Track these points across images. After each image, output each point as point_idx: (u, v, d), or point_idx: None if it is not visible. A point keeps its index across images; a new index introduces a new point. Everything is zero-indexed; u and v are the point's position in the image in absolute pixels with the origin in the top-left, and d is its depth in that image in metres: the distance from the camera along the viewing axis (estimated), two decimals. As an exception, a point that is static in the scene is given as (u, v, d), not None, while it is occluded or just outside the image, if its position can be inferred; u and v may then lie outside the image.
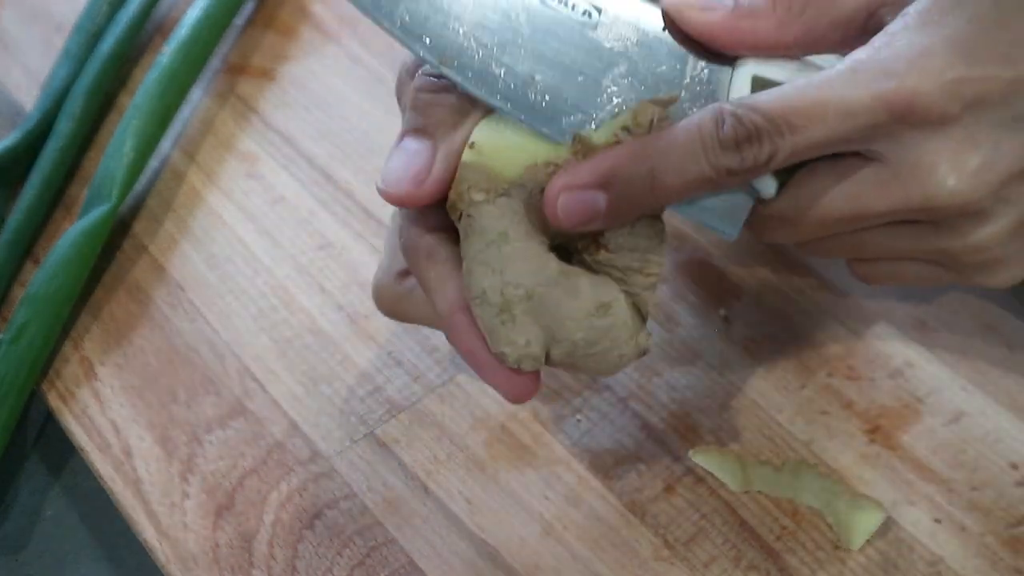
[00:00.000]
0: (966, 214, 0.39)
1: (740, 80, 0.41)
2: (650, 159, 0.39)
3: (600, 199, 0.39)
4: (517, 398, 0.41)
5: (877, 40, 0.39)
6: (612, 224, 0.39)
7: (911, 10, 0.40)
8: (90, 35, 0.64)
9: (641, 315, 0.40)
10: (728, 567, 0.44)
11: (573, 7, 0.41)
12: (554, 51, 0.41)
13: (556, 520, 0.45)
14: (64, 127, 0.59)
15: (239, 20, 0.66)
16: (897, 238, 0.41)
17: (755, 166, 0.39)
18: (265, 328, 0.52)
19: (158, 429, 0.49)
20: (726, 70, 0.42)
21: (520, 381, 0.40)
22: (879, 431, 0.46)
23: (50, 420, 0.51)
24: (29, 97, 0.63)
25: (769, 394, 0.48)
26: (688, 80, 0.41)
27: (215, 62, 0.64)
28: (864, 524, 0.44)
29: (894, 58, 0.38)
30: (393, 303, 0.44)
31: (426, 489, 0.46)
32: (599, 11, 0.41)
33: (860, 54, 0.39)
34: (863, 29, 0.41)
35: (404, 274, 0.43)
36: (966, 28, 0.39)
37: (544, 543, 0.45)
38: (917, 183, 0.39)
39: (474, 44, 0.40)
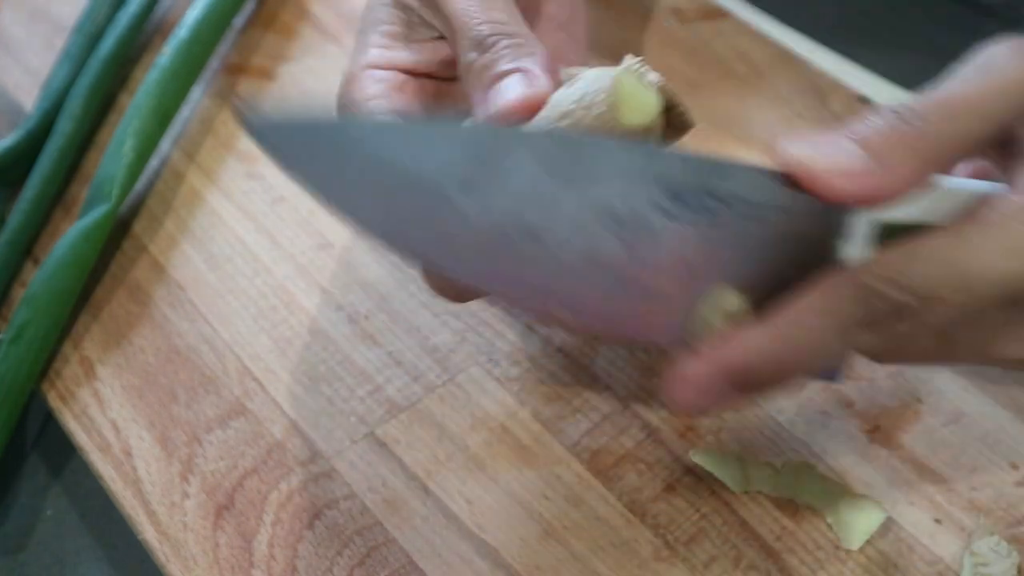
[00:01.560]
0: None
1: (860, 224, 0.37)
2: (778, 352, 0.36)
3: (725, 388, 0.36)
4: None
5: (1021, 180, 0.37)
6: (727, 409, 0.38)
7: None
8: (90, 35, 0.64)
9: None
10: (728, 567, 0.44)
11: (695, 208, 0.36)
12: None
13: (556, 520, 0.45)
14: (64, 127, 0.59)
15: (239, 20, 0.66)
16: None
17: (889, 342, 0.36)
18: (265, 328, 0.52)
19: (158, 429, 0.49)
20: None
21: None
22: (879, 431, 0.47)
23: (50, 420, 0.51)
24: (29, 97, 0.63)
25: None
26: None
27: (215, 62, 0.64)
28: (864, 524, 0.44)
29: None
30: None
31: (426, 489, 0.46)
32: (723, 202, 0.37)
33: (1005, 206, 0.36)
34: (997, 145, 0.38)
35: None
36: None
37: (544, 543, 0.45)
38: None
39: None
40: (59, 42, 0.65)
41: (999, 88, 0.37)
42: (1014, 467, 0.45)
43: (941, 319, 0.36)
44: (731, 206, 0.36)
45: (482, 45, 0.40)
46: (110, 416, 0.50)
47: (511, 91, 0.39)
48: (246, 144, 0.60)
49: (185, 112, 0.61)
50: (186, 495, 0.47)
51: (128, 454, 0.49)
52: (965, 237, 0.36)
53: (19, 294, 0.54)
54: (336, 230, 0.55)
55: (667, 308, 0.36)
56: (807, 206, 0.37)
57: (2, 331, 0.52)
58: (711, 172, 0.36)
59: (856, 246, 0.37)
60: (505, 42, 0.40)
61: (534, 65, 0.39)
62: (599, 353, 0.50)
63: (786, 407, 0.47)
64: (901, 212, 0.37)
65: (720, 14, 0.63)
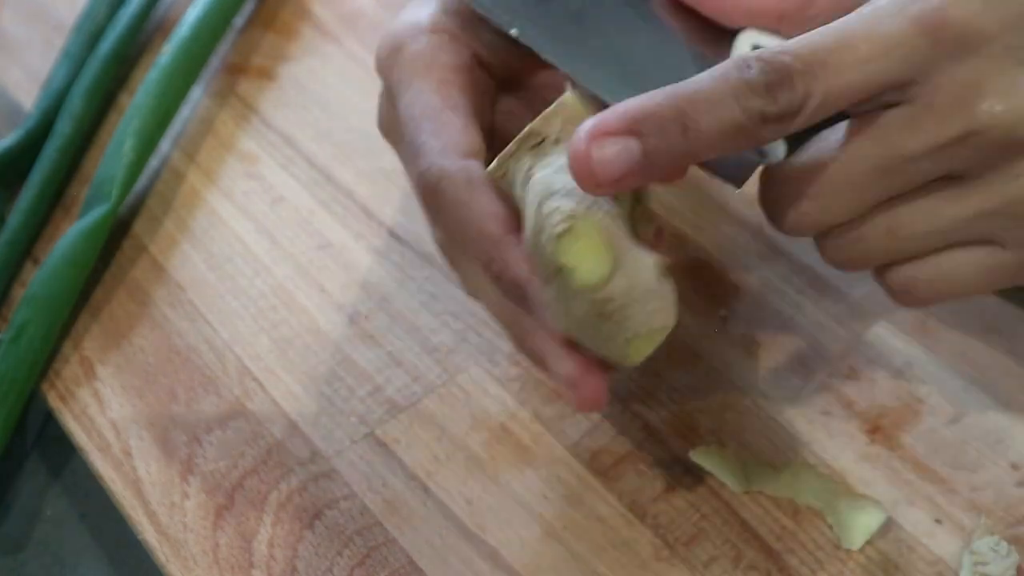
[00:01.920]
0: (1014, 146, 0.36)
1: (743, 43, 0.40)
2: (679, 101, 0.36)
3: (634, 146, 0.36)
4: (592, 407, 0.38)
5: None
6: (649, 179, 0.36)
7: None
8: (90, 35, 0.64)
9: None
10: (728, 567, 0.43)
11: None
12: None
13: (556, 520, 0.45)
14: (64, 127, 0.59)
15: (239, 20, 0.66)
16: (939, 206, 0.37)
17: (790, 111, 0.36)
18: (265, 328, 0.52)
19: (158, 429, 0.49)
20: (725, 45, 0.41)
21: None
22: (879, 431, 0.46)
23: (50, 420, 0.51)
24: (29, 97, 0.63)
25: (769, 394, 0.48)
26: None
27: (215, 62, 0.64)
28: (864, 524, 0.43)
29: None
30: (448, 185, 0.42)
31: (426, 489, 0.46)
32: None
33: None
34: None
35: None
36: None
37: (544, 543, 0.45)
38: (955, 110, 0.36)
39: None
40: (59, 41, 0.65)
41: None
42: (1014, 467, 0.45)
43: (826, 88, 0.36)
44: None
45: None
46: (110, 416, 0.50)
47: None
48: (246, 144, 0.60)
49: (185, 112, 0.61)
50: (186, 495, 0.47)
51: (128, 454, 0.48)
52: (846, 17, 0.36)
53: (19, 294, 0.54)
54: (336, 230, 0.55)
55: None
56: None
57: (2, 331, 0.52)
58: None
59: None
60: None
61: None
62: (599, 353, 0.50)
63: (786, 407, 0.47)
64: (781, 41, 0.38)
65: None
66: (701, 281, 0.52)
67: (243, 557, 0.45)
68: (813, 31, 0.36)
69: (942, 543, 0.43)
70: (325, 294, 0.53)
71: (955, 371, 0.48)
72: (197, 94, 0.62)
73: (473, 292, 0.43)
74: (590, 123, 0.36)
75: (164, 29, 0.65)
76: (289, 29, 0.66)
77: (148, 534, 0.46)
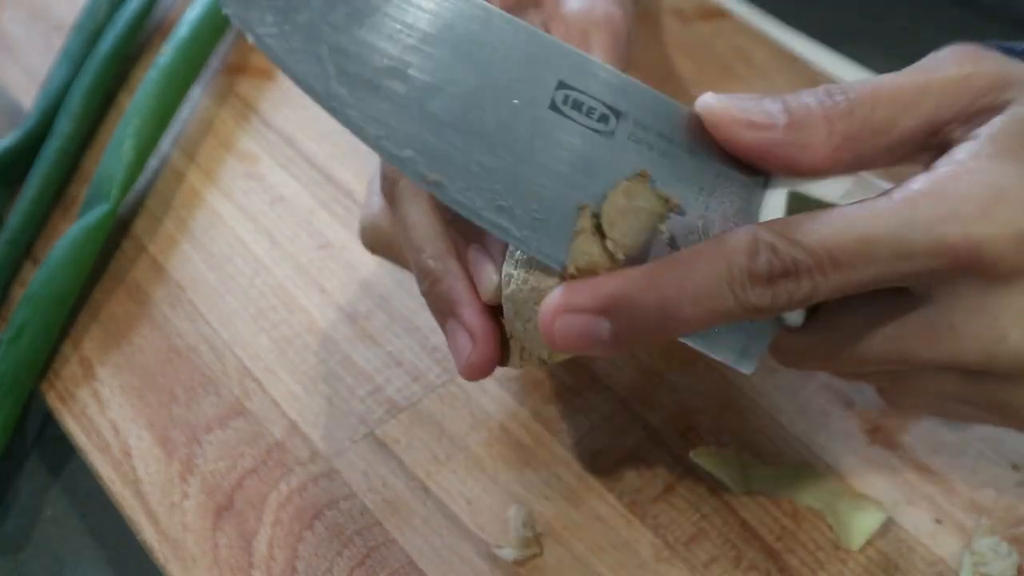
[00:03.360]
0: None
1: (776, 197, 0.37)
2: (664, 288, 0.34)
3: (603, 327, 0.34)
4: (476, 365, 0.37)
5: (942, 168, 0.35)
6: (615, 354, 0.36)
7: (983, 133, 0.35)
8: (90, 35, 0.64)
9: None
10: (728, 567, 0.44)
11: (589, 112, 0.36)
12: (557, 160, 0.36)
13: (556, 520, 0.45)
14: (63, 127, 0.59)
15: (239, 20, 0.66)
16: (946, 383, 0.37)
17: (788, 304, 0.34)
18: (265, 328, 0.52)
19: (157, 429, 0.49)
20: (759, 180, 0.37)
21: (483, 347, 0.37)
22: (879, 431, 0.46)
23: (50, 420, 0.51)
24: (28, 96, 0.63)
25: (769, 394, 0.48)
26: (714, 189, 0.37)
27: (215, 62, 0.64)
28: (864, 525, 0.44)
29: (962, 199, 0.34)
30: (376, 236, 0.43)
31: (426, 489, 0.46)
32: (617, 115, 0.36)
33: (921, 184, 0.35)
34: (924, 147, 0.37)
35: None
36: None
37: (544, 543, 0.45)
38: (976, 338, 0.35)
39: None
40: (58, 41, 0.65)
41: (932, 87, 0.36)
42: (1014, 467, 0.45)
43: (835, 286, 0.34)
44: (622, 121, 0.36)
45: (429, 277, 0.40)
46: (109, 416, 0.50)
47: (461, 356, 0.39)
48: (246, 144, 0.60)
49: (185, 112, 0.61)
50: (186, 495, 0.47)
51: (127, 454, 0.48)
52: (873, 208, 0.34)
53: (19, 294, 0.54)
54: (336, 230, 0.55)
55: (548, 208, 0.35)
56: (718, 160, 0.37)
57: (2, 331, 0.52)
58: (613, 86, 0.37)
59: (771, 212, 0.37)
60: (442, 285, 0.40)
61: (471, 318, 0.39)
62: (599, 353, 0.50)
63: (786, 407, 0.47)
64: (819, 190, 0.37)
65: (720, 14, 0.63)
66: (701, 281, 0.52)
67: (243, 557, 0.45)
68: (834, 216, 0.34)
69: (942, 543, 0.43)
70: (325, 294, 0.53)
71: (955, 371, 0.48)
72: (197, 94, 0.62)
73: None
74: (559, 297, 0.34)
75: (164, 29, 0.65)
76: (289, 29, 0.65)
77: (147, 534, 0.46)
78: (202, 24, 0.62)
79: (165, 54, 0.60)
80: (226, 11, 0.34)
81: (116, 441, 0.49)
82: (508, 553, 0.44)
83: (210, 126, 0.61)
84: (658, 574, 0.44)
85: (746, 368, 0.37)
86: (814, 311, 0.38)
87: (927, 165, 0.36)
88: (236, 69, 0.64)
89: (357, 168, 0.58)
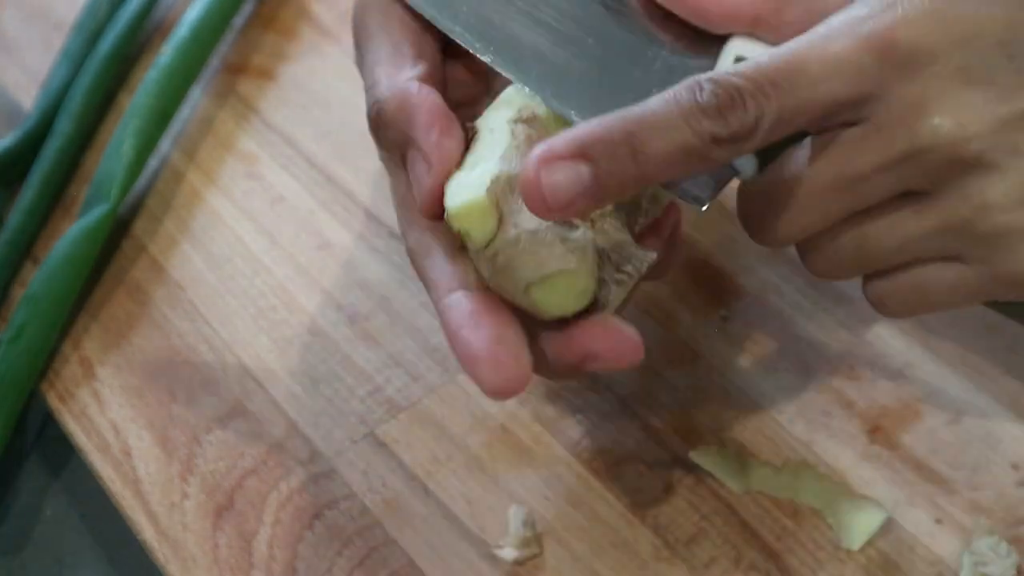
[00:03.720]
0: (964, 164, 0.36)
1: (725, 59, 0.40)
2: (629, 125, 0.36)
3: (584, 171, 0.36)
4: (500, 388, 0.36)
5: None
6: (600, 202, 0.37)
7: None
8: (90, 34, 0.64)
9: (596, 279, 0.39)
10: (728, 567, 0.43)
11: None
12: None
13: (556, 520, 0.45)
14: (63, 127, 0.59)
15: (239, 20, 0.66)
16: (900, 223, 0.38)
17: (742, 131, 0.36)
18: (265, 328, 0.52)
19: (158, 429, 0.49)
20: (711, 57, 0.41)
21: (505, 368, 0.36)
22: (879, 431, 0.46)
23: (50, 420, 0.51)
24: (28, 96, 0.63)
25: (769, 394, 0.48)
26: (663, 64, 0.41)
27: (215, 62, 0.64)
28: (864, 524, 0.43)
29: (872, 1, 0.37)
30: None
31: (426, 489, 0.46)
32: None
33: (839, 12, 0.37)
34: None
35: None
36: None
37: (544, 543, 0.45)
38: (902, 129, 0.36)
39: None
40: (58, 41, 0.65)
41: None
42: (1014, 467, 0.45)
43: (779, 108, 0.36)
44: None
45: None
46: (109, 416, 0.50)
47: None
48: (246, 144, 0.60)
49: (185, 112, 0.61)
50: (186, 495, 0.47)
51: (127, 454, 0.48)
52: (799, 39, 0.37)
53: (19, 294, 0.54)
54: (336, 230, 0.55)
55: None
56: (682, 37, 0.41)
57: (2, 331, 0.52)
58: None
59: None
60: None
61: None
62: (599, 353, 0.50)
63: (786, 407, 0.47)
64: (766, 50, 0.39)
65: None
66: (701, 281, 0.52)
67: (243, 557, 0.45)
68: (769, 52, 0.37)
69: (942, 543, 0.43)
70: (325, 294, 0.53)
71: (955, 371, 0.48)
72: (197, 94, 0.62)
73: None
74: (539, 149, 0.36)
75: (164, 29, 0.65)
76: (289, 29, 0.66)
77: (148, 534, 0.46)
78: (202, 24, 0.62)
79: (165, 54, 0.60)
80: None
81: (116, 441, 0.49)
82: (508, 553, 0.44)
83: (210, 126, 0.61)
84: (658, 574, 0.44)
85: (700, 203, 0.40)
86: (765, 165, 0.40)
87: None
88: (236, 69, 0.64)
89: (357, 168, 0.58)
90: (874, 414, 0.47)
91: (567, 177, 0.36)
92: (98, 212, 0.54)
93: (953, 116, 0.36)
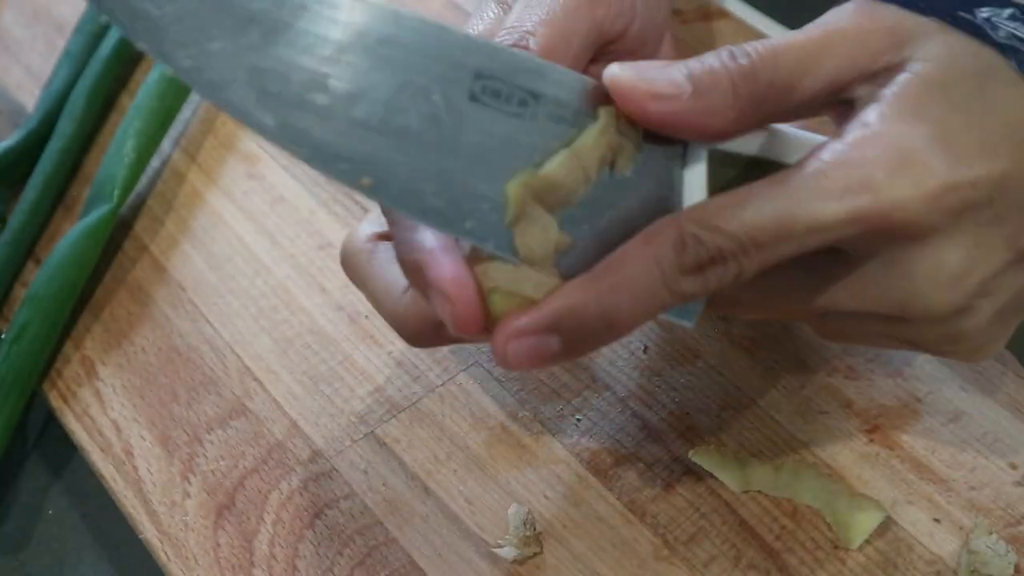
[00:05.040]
0: (945, 315, 0.37)
1: (695, 160, 0.38)
2: (602, 296, 0.35)
3: (553, 342, 0.35)
4: (462, 315, 0.36)
5: (850, 134, 0.36)
6: (566, 360, 0.37)
7: (887, 94, 0.36)
8: (91, 35, 0.64)
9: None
10: (728, 567, 0.44)
11: (508, 99, 0.37)
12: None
13: (556, 520, 0.45)
14: (65, 127, 0.59)
15: (240, 20, 0.66)
16: (868, 324, 0.39)
17: (719, 287, 0.36)
18: (265, 328, 0.52)
19: (159, 429, 0.49)
20: (676, 148, 0.38)
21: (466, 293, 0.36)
22: (878, 431, 0.47)
23: (51, 420, 0.52)
24: (30, 97, 0.63)
25: (769, 394, 0.48)
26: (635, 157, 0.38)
27: (216, 62, 0.64)
28: (863, 523, 0.44)
29: (871, 165, 0.35)
30: (356, 260, 0.43)
31: (426, 489, 0.47)
32: (536, 98, 0.37)
33: (830, 154, 0.36)
34: (830, 104, 0.38)
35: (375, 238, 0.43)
36: (950, 119, 0.36)
37: (544, 543, 0.45)
38: (892, 290, 0.37)
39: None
40: (60, 42, 0.65)
41: (831, 46, 0.37)
42: (1013, 467, 0.45)
43: (760, 264, 0.36)
44: (541, 103, 0.37)
45: None
46: (111, 416, 0.50)
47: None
48: (247, 144, 0.60)
49: (186, 112, 0.61)
50: (187, 495, 0.47)
51: (129, 454, 0.49)
52: (787, 183, 0.35)
53: (20, 294, 0.54)
54: (336, 230, 0.55)
55: (473, 195, 0.36)
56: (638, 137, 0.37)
57: (4, 331, 0.52)
58: (528, 70, 0.37)
59: (696, 193, 0.37)
60: None
61: None
62: (600, 353, 0.50)
63: (785, 407, 0.48)
64: (736, 146, 0.38)
65: (720, 14, 0.63)
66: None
67: (244, 556, 0.45)
68: (753, 199, 0.35)
69: (941, 542, 0.43)
70: (325, 294, 0.53)
71: (954, 371, 0.48)
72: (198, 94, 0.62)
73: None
74: (507, 323, 0.35)
75: (165, 29, 0.65)
76: (290, 29, 0.65)
77: (149, 533, 0.46)
78: (203, 25, 0.62)
79: (166, 55, 0.60)
80: (139, 45, 0.33)
81: (118, 440, 0.49)
82: (508, 552, 0.44)
83: (211, 126, 0.61)
84: (658, 573, 0.44)
85: (688, 323, 0.38)
86: None
87: (837, 120, 0.38)
88: (237, 70, 0.64)
89: (358, 168, 0.58)
90: (873, 413, 0.47)
91: (534, 349, 0.35)
92: (100, 212, 0.54)
93: (942, 287, 0.36)
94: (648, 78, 0.36)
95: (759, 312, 0.40)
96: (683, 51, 0.61)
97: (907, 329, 0.39)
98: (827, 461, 0.46)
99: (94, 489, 0.49)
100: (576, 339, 0.36)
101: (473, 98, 0.36)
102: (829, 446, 0.46)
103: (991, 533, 0.43)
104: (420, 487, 0.47)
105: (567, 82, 0.37)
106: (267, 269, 0.54)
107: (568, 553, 0.44)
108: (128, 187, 0.56)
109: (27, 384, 0.51)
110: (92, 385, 0.51)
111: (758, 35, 0.62)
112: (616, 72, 0.37)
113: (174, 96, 0.60)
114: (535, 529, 0.45)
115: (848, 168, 0.35)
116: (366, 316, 0.52)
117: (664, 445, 0.47)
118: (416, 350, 0.51)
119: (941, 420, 0.47)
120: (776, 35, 0.39)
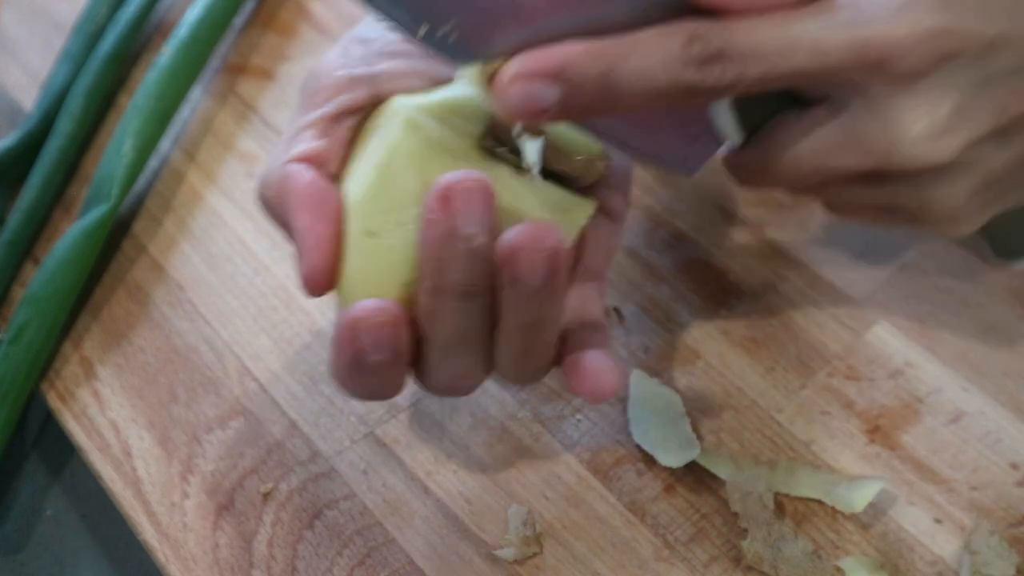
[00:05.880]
0: (925, 172, 0.39)
1: None
2: (607, 59, 0.37)
3: (553, 92, 0.37)
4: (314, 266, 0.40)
5: None
6: (559, 119, 0.38)
7: None
8: (90, 35, 0.64)
9: None
10: (728, 567, 0.44)
11: None
12: None
13: (556, 520, 0.45)
14: (64, 127, 0.59)
15: (239, 20, 0.66)
16: (861, 192, 0.41)
17: (715, 87, 0.38)
18: (265, 328, 0.52)
19: (158, 429, 0.49)
20: None
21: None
22: (879, 431, 0.47)
23: (50, 420, 0.51)
24: (29, 97, 0.63)
25: (769, 394, 0.48)
26: None
27: (215, 62, 0.64)
28: (864, 493, 0.44)
29: (876, 3, 0.37)
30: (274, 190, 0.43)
31: (426, 489, 0.46)
32: None
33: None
34: None
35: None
36: None
37: (544, 543, 0.45)
38: (876, 136, 0.39)
39: None
40: (59, 42, 0.65)
41: None
42: (1014, 467, 0.45)
43: (759, 74, 0.37)
44: None
45: None
46: (110, 416, 0.50)
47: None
48: (246, 144, 0.60)
49: (185, 112, 0.61)
50: (186, 495, 0.47)
51: (128, 454, 0.49)
52: (799, 11, 0.38)
53: (19, 294, 0.54)
54: (336, 230, 0.55)
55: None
56: None
57: (2, 331, 0.52)
58: None
59: None
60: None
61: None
62: (599, 353, 0.50)
63: (786, 407, 0.47)
64: None
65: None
66: (701, 281, 0.52)
67: (243, 557, 0.45)
68: (764, 17, 0.38)
69: (942, 543, 0.43)
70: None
71: (955, 371, 0.48)
72: (197, 94, 0.62)
73: None
74: (517, 62, 0.37)
75: (164, 29, 0.65)
76: (289, 29, 0.66)
77: (148, 534, 0.46)
78: (202, 24, 0.62)
79: (165, 54, 0.60)
80: None
81: (116, 441, 0.49)
82: (508, 553, 0.44)
83: (210, 126, 0.61)
84: (658, 574, 0.44)
85: (689, 173, 0.41)
86: (752, 133, 0.41)
87: None
88: (236, 69, 0.64)
89: (357, 168, 0.58)
90: (874, 414, 0.47)
91: (534, 93, 0.37)
92: (98, 212, 0.54)
93: (925, 139, 0.38)
94: None
95: (770, 180, 0.42)
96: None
97: (893, 192, 0.40)
98: (828, 462, 0.46)
99: (93, 490, 0.49)
100: (574, 95, 0.37)
101: None
102: (830, 446, 0.46)
103: (993, 534, 0.43)
104: (420, 487, 0.46)
105: None
106: (267, 269, 0.54)
107: (568, 553, 0.44)
108: (127, 187, 0.56)
109: (26, 384, 0.50)
110: (91, 385, 0.51)
111: None
112: None
113: (173, 95, 0.60)
114: (535, 529, 0.45)
115: (855, 6, 0.37)
116: (365, 316, 0.52)
117: (664, 445, 0.47)
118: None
119: (942, 420, 0.47)
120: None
